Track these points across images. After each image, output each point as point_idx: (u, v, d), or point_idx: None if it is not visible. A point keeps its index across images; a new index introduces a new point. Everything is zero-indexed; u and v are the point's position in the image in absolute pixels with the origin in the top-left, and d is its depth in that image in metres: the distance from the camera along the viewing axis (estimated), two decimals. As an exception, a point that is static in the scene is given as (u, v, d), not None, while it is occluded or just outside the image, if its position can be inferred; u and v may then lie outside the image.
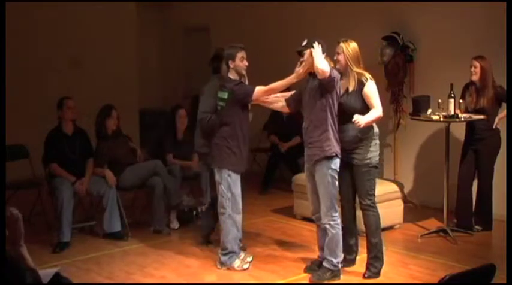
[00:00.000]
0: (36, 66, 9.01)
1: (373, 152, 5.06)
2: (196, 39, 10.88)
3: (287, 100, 5.33)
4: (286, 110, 5.48)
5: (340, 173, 5.06)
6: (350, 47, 5.02)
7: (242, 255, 5.44)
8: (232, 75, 5.35)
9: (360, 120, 4.87)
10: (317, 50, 4.85)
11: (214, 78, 5.81)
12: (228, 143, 5.27)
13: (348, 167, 5.11)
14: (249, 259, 5.45)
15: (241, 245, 5.56)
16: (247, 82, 5.43)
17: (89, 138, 6.54)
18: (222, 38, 9.68)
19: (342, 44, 5.04)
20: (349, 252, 5.33)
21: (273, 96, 5.35)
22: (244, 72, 5.38)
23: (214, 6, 10.09)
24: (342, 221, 5.21)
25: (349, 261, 5.33)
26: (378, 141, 5.13)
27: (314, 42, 4.89)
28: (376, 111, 4.98)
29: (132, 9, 10.21)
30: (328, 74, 4.79)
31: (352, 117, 4.92)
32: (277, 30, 9.00)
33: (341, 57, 5.03)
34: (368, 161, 5.04)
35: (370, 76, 5.06)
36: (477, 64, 6.18)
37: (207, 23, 10.38)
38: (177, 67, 11.36)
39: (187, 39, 11.12)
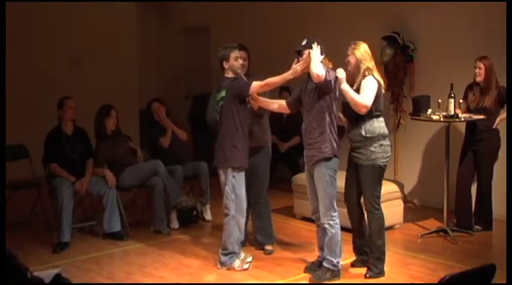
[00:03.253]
0: (36, 66, 9.01)
1: (378, 154, 4.99)
2: (196, 39, 10.88)
3: (287, 101, 5.33)
4: (283, 111, 5.47)
5: (346, 174, 5.07)
6: (360, 48, 5.01)
7: (242, 255, 5.44)
8: (229, 75, 5.36)
9: (340, 73, 4.87)
10: (315, 52, 4.84)
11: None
12: (230, 141, 5.27)
13: (353, 167, 5.11)
14: (249, 259, 5.44)
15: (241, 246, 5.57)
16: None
17: (89, 137, 6.54)
18: (222, 38, 9.66)
19: (351, 46, 5.05)
20: (361, 252, 5.31)
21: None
22: (239, 71, 5.37)
23: (214, 6, 10.09)
24: (350, 222, 5.22)
25: (361, 261, 5.31)
26: (385, 142, 5.05)
27: (314, 43, 4.90)
28: (361, 97, 4.91)
29: (132, 9, 10.21)
30: (323, 78, 4.79)
31: (357, 115, 4.96)
32: (278, 30, 9.00)
33: (351, 59, 5.03)
34: (373, 162, 5.00)
35: (377, 74, 5.04)
36: (482, 65, 6.15)
37: (207, 23, 10.37)
38: (177, 67, 11.36)
39: (187, 39, 11.12)
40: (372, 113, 5.00)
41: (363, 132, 5.00)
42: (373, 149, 4.99)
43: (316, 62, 4.81)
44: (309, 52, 4.88)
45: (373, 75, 4.99)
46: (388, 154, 5.08)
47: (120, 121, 6.66)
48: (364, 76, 4.99)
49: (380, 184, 5.12)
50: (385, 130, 5.08)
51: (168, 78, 11.53)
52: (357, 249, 5.35)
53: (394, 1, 7.55)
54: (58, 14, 9.25)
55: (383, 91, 5.08)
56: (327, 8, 8.32)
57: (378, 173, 5.05)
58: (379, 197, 5.13)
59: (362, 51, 5.01)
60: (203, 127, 8.90)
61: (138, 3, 10.33)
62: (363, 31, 7.33)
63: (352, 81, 5.03)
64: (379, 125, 5.03)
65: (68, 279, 3.55)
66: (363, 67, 4.99)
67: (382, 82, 5.06)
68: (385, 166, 5.08)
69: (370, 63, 5.02)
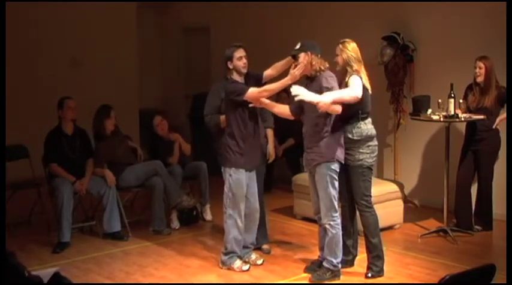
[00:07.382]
0: (36, 66, 9.01)
1: (365, 154, 5.03)
2: (196, 39, 10.88)
3: (291, 108, 5.28)
4: (286, 116, 5.40)
5: (339, 174, 5.07)
6: (349, 48, 5.01)
7: (253, 256, 5.49)
8: (234, 76, 5.31)
9: (300, 93, 4.81)
10: (306, 94, 4.82)
11: (222, 79, 5.64)
12: (229, 142, 5.27)
13: (344, 167, 5.12)
14: (259, 262, 5.49)
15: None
16: None
17: (89, 137, 6.54)
18: (222, 38, 9.68)
19: (339, 46, 5.04)
20: (346, 253, 5.30)
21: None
22: (244, 71, 5.32)
23: (214, 6, 10.09)
24: (342, 221, 5.22)
25: (345, 262, 5.30)
26: (372, 143, 5.08)
27: (307, 45, 4.93)
28: (348, 90, 4.87)
29: (132, 9, 10.21)
30: (329, 103, 4.75)
31: (347, 119, 4.98)
32: (277, 30, 8.99)
33: (339, 59, 5.04)
34: (360, 162, 5.04)
35: (364, 75, 5.02)
36: (482, 65, 6.15)
37: (207, 23, 10.37)
38: (177, 67, 11.36)
39: (187, 39, 11.12)
40: (358, 115, 5.01)
41: (350, 135, 5.02)
42: (361, 150, 5.04)
43: (311, 96, 4.79)
44: (304, 55, 4.90)
45: (359, 77, 4.96)
46: (375, 154, 5.14)
47: (120, 121, 6.65)
48: (350, 76, 4.97)
49: (370, 183, 5.16)
50: (373, 132, 5.10)
51: (168, 78, 11.53)
52: (343, 249, 5.28)
53: (394, 1, 7.55)
54: (58, 14, 9.25)
55: (369, 92, 5.07)
56: (327, 8, 8.31)
57: (366, 172, 5.10)
58: (369, 196, 5.16)
59: (349, 52, 5.00)
60: (203, 127, 8.95)
61: (138, 3, 10.33)
62: (363, 31, 7.33)
63: (340, 80, 5.04)
64: (366, 127, 5.05)
65: (66, 278, 3.55)
66: (349, 69, 4.99)
67: (368, 85, 5.03)
68: (372, 165, 5.14)
69: (356, 65, 4.99)
